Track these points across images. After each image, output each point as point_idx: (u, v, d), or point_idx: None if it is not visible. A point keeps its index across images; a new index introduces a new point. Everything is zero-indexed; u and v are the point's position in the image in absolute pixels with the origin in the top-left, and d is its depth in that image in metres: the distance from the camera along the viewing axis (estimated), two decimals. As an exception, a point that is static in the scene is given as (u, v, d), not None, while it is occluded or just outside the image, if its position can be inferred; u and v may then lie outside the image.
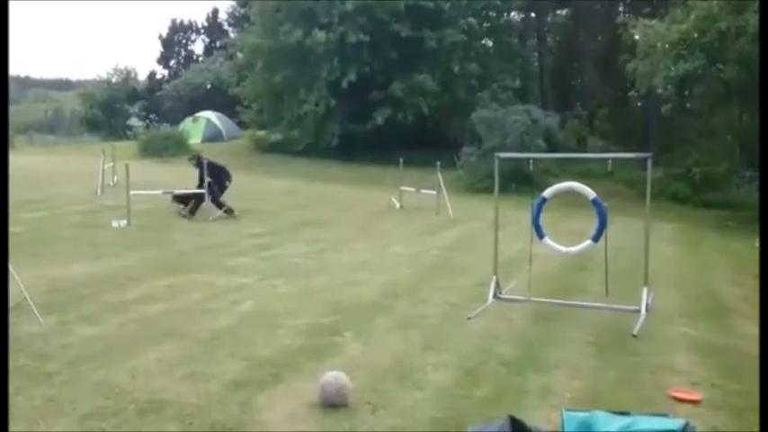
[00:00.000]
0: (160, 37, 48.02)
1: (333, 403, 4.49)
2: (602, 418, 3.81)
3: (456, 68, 24.65)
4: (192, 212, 12.95)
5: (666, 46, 16.45)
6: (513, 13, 31.00)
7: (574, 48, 31.48)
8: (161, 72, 47.43)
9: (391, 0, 23.73)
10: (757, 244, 11.01)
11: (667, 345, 6.15)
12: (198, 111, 33.15)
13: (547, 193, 7.17)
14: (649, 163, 6.92)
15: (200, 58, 46.83)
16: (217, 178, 13.12)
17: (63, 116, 53.97)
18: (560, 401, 4.63)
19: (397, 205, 15.50)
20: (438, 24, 24.59)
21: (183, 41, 49.14)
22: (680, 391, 4.92)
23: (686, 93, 20.89)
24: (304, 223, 13.12)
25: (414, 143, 23.74)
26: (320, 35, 23.46)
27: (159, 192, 13.32)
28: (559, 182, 7.69)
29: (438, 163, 15.14)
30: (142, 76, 47.25)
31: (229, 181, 13.38)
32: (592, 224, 7.17)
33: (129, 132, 33.80)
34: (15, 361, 5.00)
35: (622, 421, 3.77)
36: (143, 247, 10.03)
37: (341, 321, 6.51)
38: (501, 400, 4.71)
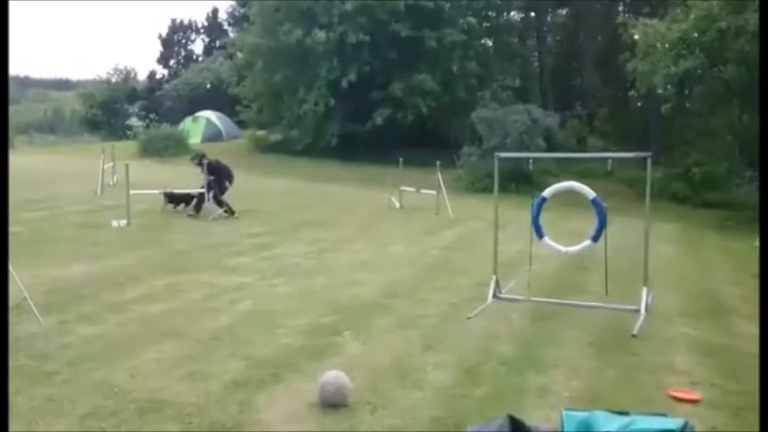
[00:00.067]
0: (160, 37, 48.10)
1: (332, 403, 4.49)
2: (601, 417, 3.82)
3: (455, 68, 24.67)
4: (198, 210, 13.05)
5: (666, 45, 16.46)
6: (512, 13, 31.04)
7: (574, 47, 31.47)
8: (161, 72, 47.53)
9: (391, 0, 23.72)
10: (757, 244, 11.02)
11: (667, 344, 6.15)
12: (198, 110, 33.15)
13: (547, 192, 7.18)
14: (649, 163, 6.92)
15: (200, 58, 46.83)
16: (218, 178, 13.16)
17: (63, 116, 53.96)
18: (559, 401, 4.63)
19: (397, 205, 15.50)
20: (438, 24, 24.59)
21: (183, 41, 49.15)
22: (679, 391, 4.92)
23: (686, 92, 20.94)
24: (304, 223, 13.12)
25: (413, 143, 23.73)
26: (320, 35, 23.47)
27: (159, 191, 13.34)
28: (559, 181, 7.70)
29: (438, 163, 15.14)
30: (142, 75, 47.36)
31: (230, 182, 13.38)
32: (591, 224, 7.18)
33: (128, 132, 33.80)
34: (15, 360, 5.00)
35: (621, 421, 3.77)
36: (143, 247, 10.04)
37: (340, 321, 6.51)
38: (500, 399, 4.71)
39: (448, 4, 25.67)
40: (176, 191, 13.44)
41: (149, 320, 6.36)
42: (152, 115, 34.25)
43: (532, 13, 31.67)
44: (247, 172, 18.91)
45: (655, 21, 17.79)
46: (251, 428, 4.21)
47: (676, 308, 7.56)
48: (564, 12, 32.97)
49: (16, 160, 16.83)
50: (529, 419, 4.02)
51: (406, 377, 5.09)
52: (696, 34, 16.07)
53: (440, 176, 14.83)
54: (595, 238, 7.02)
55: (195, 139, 29.29)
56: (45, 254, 9.14)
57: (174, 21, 48.42)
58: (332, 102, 24.29)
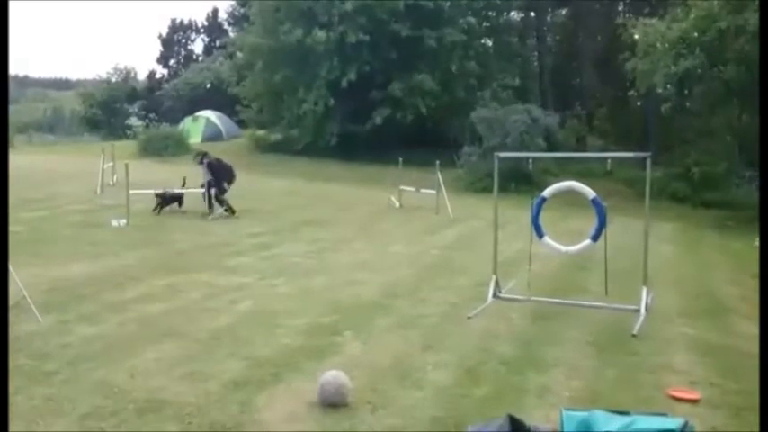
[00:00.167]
0: (160, 36, 48.10)
1: (332, 403, 4.49)
2: (601, 417, 3.82)
3: (454, 68, 24.66)
4: (211, 205, 13.12)
5: (666, 45, 16.46)
6: (512, 13, 31.02)
7: (573, 47, 31.46)
8: (161, 71, 47.53)
9: (391, 0, 23.72)
10: (757, 243, 11.03)
11: (666, 344, 6.15)
12: (197, 110, 33.13)
13: (546, 192, 7.18)
14: (648, 162, 6.92)
15: (200, 58, 46.83)
16: (218, 177, 13.17)
17: (62, 116, 53.95)
18: (559, 401, 4.63)
19: (397, 205, 15.50)
20: (438, 24, 24.58)
21: (183, 41, 49.15)
22: (679, 391, 4.92)
23: (686, 92, 20.94)
24: (304, 223, 13.13)
25: (413, 143, 23.73)
26: (320, 35, 23.46)
27: (154, 192, 13.32)
28: (559, 181, 7.70)
29: (437, 162, 15.14)
30: (142, 75, 47.39)
31: (229, 182, 13.36)
32: (591, 224, 7.18)
33: (128, 132, 33.82)
34: (15, 360, 5.00)
35: (621, 420, 3.77)
36: (142, 247, 10.04)
37: (340, 321, 6.51)
38: (500, 399, 4.71)
39: (448, 4, 25.67)
40: (168, 191, 13.38)
41: (149, 320, 6.36)
42: (152, 115, 34.29)
43: (532, 13, 31.66)
44: (247, 172, 18.87)
45: (655, 20, 17.79)
46: (251, 428, 4.21)
47: (676, 307, 7.56)
48: (564, 12, 32.96)
49: (16, 160, 16.82)
50: (529, 419, 4.02)
51: (406, 377, 5.09)
52: (696, 34, 16.08)
53: (439, 176, 14.84)
54: (595, 238, 7.02)
55: (195, 139, 29.27)
56: (45, 253, 9.14)
57: (174, 20, 48.51)
58: (331, 101, 24.29)
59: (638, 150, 8.33)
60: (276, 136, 27.94)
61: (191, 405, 4.46)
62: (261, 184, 18.22)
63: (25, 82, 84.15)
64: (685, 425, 3.76)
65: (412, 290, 7.92)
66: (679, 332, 6.58)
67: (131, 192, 12.01)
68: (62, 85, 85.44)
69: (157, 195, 13.14)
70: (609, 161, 8.34)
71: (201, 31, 48.98)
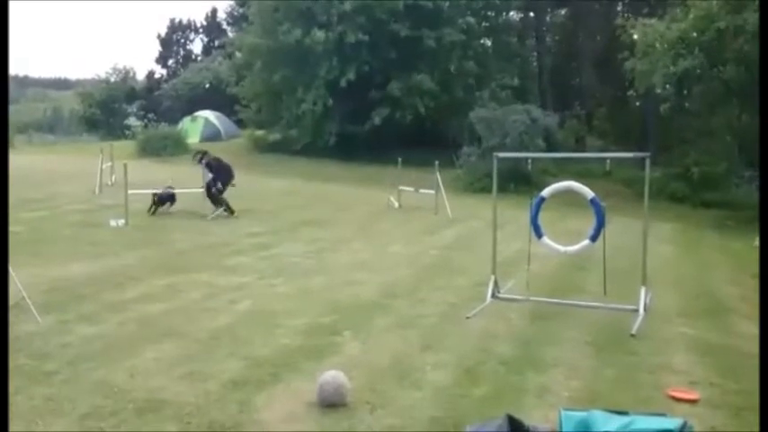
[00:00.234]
0: (159, 36, 48.07)
1: (331, 403, 4.49)
2: (599, 417, 3.81)
3: (453, 67, 24.66)
4: (218, 203, 13.14)
5: (665, 45, 16.47)
6: (511, 13, 31.01)
7: (572, 47, 31.48)
8: (159, 71, 47.50)
9: (390, 0, 23.72)
10: (756, 243, 11.04)
11: (665, 344, 6.15)
12: (196, 110, 33.11)
13: (545, 192, 7.19)
14: (647, 162, 6.93)
15: (199, 58, 46.79)
16: (217, 176, 13.19)
17: (62, 115, 53.83)
18: (558, 401, 4.64)
19: (396, 205, 15.50)
20: (437, 24, 24.58)
21: (182, 41, 49.11)
22: (678, 391, 4.92)
23: (685, 92, 20.94)
24: (303, 223, 13.12)
25: (412, 143, 23.72)
26: (319, 34, 23.45)
27: (159, 190, 13.33)
28: (558, 181, 7.71)
29: (437, 162, 15.15)
30: (141, 75, 47.38)
31: (224, 183, 13.33)
32: (590, 224, 7.18)
33: (127, 132, 33.81)
34: (14, 360, 5.00)
35: (620, 421, 3.77)
36: (142, 247, 10.04)
37: (339, 321, 6.51)
38: (499, 399, 4.72)
39: (447, 4, 25.64)
40: (166, 191, 13.37)
41: (148, 320, 6.36)
42: (150, 115, 34.27)
43: (531, 13, 31.67)
44: (246, 172, 18.87)
45: (654, 20, 17.80)
46: (250, 428, 4.21)
47: (675, 307, 7.56)
48: (563, 12, 32.98)
49: (15, 160, 16.80)
50: (528, 419, 4.02)
51: (405, 377, 5.09)
52: (695, 34, 16.09)
53: (438, 176, 14.84)
54: (594, 238, 7.03)
55: (194, 139, 29.26)
56: (44, 253, 9.14)
57: (172, 20, 48.47)
58: (330, 101, 24.27)
59: (638, 150, 8.34)
60: (275, 136, 27.92)
61: (190, 405, 4.47)
62: (260, 184, 18.21)
63: (25, 82, 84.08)
64: (684, 425, 3.76)
65: (411, 290, 7.92)
66: (678, 332, 6.59)
67: (130, 192, 12.01)
68: (61, 84, 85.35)
69: (154, 195, 13.14)
70: (608, 161, 8.38)
71: (200, 30, 48.97)
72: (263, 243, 10.82)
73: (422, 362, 5.45)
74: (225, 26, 47.89)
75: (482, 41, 28.37)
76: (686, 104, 22.77)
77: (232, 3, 45.72)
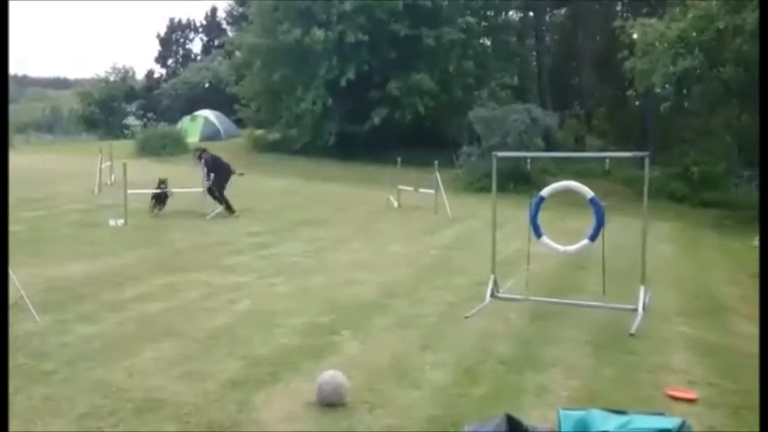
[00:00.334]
0: (158, 36, 48.04)
1: (330, 402, 4.49)
2: (598, 416, 3.81)
3: (452, 67, 24.67)
4: (221, 200, 13.16)
5: (665, 44, 16.48)
6: (511, 12, 31.04)
7: (572, 47, 31.49)
8: (159, 71, 47.47)
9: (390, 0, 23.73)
10: (756, 243, 11.03)
11: (665, 344, 6.15)
12: (196, 109, 33.11)
13: (545, 192, 7.18)
14: (647, 162, 6.93)
15: (199, 57, 46.78)
16: (215, 173, 13.20)
17: (61, 115, 53.73)
18: (557, 400, 4.64)
19: (396, 204, 15.50)
20: (436, 23, 24.57)
21: (182, 40, 49.08)
22: (677, 390, 4.92)
23: (684, 92, 20.93)
24: (302, 222, 13.12)
25: (412, 142, 23.71)
26: (318, 34, 23.44)
27: (158, 190, 13.32)
28: (557, 181, 7.71)
29: (436, 162, 15.14)
30: (140, 74, 47.32)
31: (224, 180, 13.34)
32: (589, 223, 7.17)
33: (126, 131, 33.80)
34: (13, 360, 4.99)
35: (619, 420, 3.77)
36: (141, 246, 10.03)
37: (339, 320, 6.51)
38: (498, 398, 4.72)
39: (446, 4, 25.62)
40: (164, 191, 13.34)
41: (147, 320, 6.36)
42: (150, 114, 34.25)
43: (531, 13, 31.68)
44: (245, 171, 18.82)
45: (653, 20, 17.80)
46: (249, 428, 4.21)
47: (674, 307, 7.56)
48: (562, 11, 32.99)
49: (15, 160, 16.74)
50: (527, 419, 4.02)
51: (404, 376, 5.09)
52: (694, 33, 16.09)
53: (438, 176, 14.84)
54: (593, 238, 7.03)
55: (193, 138, 29.23)
56: (43, 253, 9.14)
57: (172, 20, 48.43)
58: (330, 101, 24.27)
59: (637, 150, 8.33)
60: (274, 135, 27.91)
61: (189, 404, 4.46)
62: (259, 184, 18.20)
63: (24, 81, 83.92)
64: (683, 424, 3.76)
65: (410, 289, 7.92)
66: (677, 332, 6.59)
67: (129, 191, 12.00)
68: (60, 84, 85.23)
69: (153, 196, 13.13)
70: (607, 161, 8.36)
71: (200, 30, 48.94)
72: (263, 242, 10.82)
73: (421, 361, 5.44)
74: (224, 25, 47.88)
75: (481, 41, 28.38)
76: (686, 104, 22.76)
77: (232, 2, 45.69)
